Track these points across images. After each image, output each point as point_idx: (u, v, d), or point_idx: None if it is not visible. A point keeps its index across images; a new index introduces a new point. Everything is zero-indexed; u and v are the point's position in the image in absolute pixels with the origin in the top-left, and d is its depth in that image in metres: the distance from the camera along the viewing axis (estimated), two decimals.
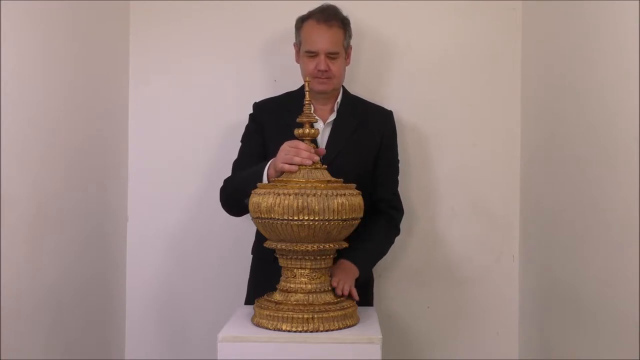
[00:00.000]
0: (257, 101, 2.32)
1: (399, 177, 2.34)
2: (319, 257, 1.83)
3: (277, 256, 1.87)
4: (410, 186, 2.57)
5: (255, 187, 1.83)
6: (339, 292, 1.87)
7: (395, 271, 2.62)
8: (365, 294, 2.06)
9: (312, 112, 1.88)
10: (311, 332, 1.74)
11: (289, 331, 1.75)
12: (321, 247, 1.79)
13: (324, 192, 1.73)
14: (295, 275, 1.84)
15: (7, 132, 1.80)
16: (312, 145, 1.86)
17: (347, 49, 2.23)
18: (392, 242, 2.28)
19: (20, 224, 1.88)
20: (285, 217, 1.71)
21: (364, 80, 2.57)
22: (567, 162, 2.13)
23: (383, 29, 2.60)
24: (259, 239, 2.15)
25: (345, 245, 1.88)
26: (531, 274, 2.50)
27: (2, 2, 1.76)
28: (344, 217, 1.75)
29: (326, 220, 1.72)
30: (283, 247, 1.81)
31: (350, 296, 1.92)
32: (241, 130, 2.30)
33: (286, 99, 2.27)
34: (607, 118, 1.84)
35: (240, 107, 2.42)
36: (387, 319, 2.51)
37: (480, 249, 2.63)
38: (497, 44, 2.61)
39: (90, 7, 2.32)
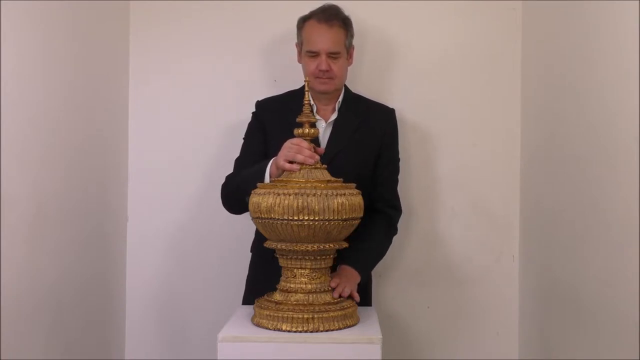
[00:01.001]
0: (259, 99, 2.32)
1: (399, 177, 2.34)
2: (319, 257, 1.83)
3: (277, 256, 1.87)
4: (410, 186, 2.57)
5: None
6: (336, 294, 1.87)
7: (395, 271, 2.62)
8: (363, 293, 2.06)
9: (312, 112, 1.88)
10: (311, 332, 1.75)
11: (289, 331, 1.75)
12: (321, 247, 1.79)
13: (324, 192, 1.73)
14: (295, 275, 1.84)
15: (7, 132, 1.80)
16: (312, 145, 1.87)
17: (349, 48, 2.23)
18: (390, 242, 2.28)
19: (20, 224, 1.88)
20: (286, 217, 1.71)
21: (366, 80, 2.57)
22: (567, 162, 2.13)
23: (384, 29, 2.60)
24: (259, 237, 2.15)
25: (345, 245, 1.88)
26: (531, 274, 2.50)
27: (2, 2, 1.76)
28: (344, 217, 1.75)
29: (326, 220, 1.72)
30: (283, 247, 1.81)
31: (350, 297, 1.92)
32: (241, 130, 2.30)
33: (288, 98, 2.27)
34: (607, 118, 1.84)
35: (240, 107, 2.42)
36: (387, 319, 2.51)
37: (480, 249, 2.63)
38: (497, 44, 2.61)
39: (90, 7, 2.32)
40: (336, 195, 1.74)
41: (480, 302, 2.63)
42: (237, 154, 2.25)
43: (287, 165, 1.81)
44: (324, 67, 2.13)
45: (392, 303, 2.62)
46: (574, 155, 2.08)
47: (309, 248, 1.78)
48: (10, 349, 1.83)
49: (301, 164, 1.82)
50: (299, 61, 2.26)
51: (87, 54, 2.30)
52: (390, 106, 2.35)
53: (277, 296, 1.84)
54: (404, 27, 2.61)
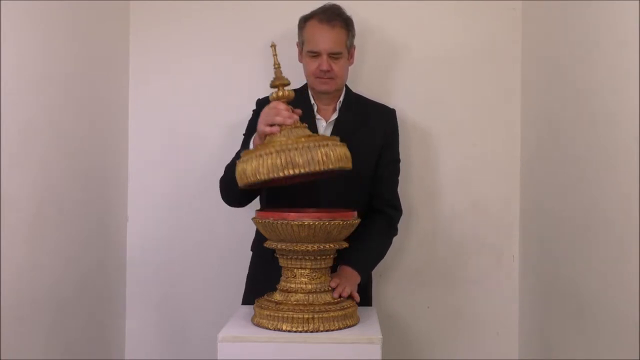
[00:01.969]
0: (260, 97, 2.32)
1: (400, 177, 2.34)
2: (319, 257, 1.83)
3: (277, 256, 1.87)
4: (410, 186, 2.57)
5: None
6: (336, 294, 1.87)
7: (395, 271, 2.62)
8: (364, 293, 2.06)
9: (283, 76, 1.85)
10: (311, 332, 1.75)
11: (289, 331, 1.75)
12: (321, 247, 1.79)
13: (306, 144, 1.68)
14: (295, 275, 1.84)
15: (7, 132, 1.80)
16: (290, 106, 1.84)
17: (350, 48, 2.22)
18: (391, 242, 2.27)
19: (20, 224, 1.88)
20: (273, 176, 1.67)
21: (366, 80, 2.57)
22: (567, 162, 2.13)
23: (385, 29, 2.60)
24: (259, 237, 2.15)
25: (345, 245, 1.88)
26: (531, 274, 2.50)
27: (2, 2, 1.76)
28: (331, 166, 1.69)
29: (311, 173, 1.69)
30: (283, 247, 1.81)
31: (350, 297, 1.92)
32: (241, 130, 2.30)
33: None
34: (607, 118, 1.84)
35: (240, 107, 2.41)
36: (387, 319, 2.51)
37: (480, 249, 2.63)
38: (497, 44, 2.61)
39: (90, 7, 2.32)
40: (319, 146, 1.69)
41: (480, 302, 2.63)
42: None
43: (268, 129, 1.79)
44: (325, 67, 2.13)
45: (392, 303, 2.62)
46: (574, 155, 2.08)
47: (309, 248, 1.78)
48: (10, 349, 1.83)
49: (281, 125, 1.79)
50: (300, 61, 2.25)
51: (87, 54, 2.30)
52: (391, 106, 2.35)
53: (277, 296, 1.84)
54: (404, 27, 2.61)
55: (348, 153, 1.77)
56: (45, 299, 2.04)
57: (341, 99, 2.25)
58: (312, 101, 2.22)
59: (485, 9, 2.60)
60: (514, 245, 2.62)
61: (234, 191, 1.99)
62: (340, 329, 1.78)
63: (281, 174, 1.66)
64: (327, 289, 1.86)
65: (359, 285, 2.02)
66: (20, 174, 1.88)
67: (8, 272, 1.81)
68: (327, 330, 1.76)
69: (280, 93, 1.83)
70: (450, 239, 2.63)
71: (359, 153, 2.19)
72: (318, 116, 2.21)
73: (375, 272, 2.35)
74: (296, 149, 1.67)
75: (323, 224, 1.74)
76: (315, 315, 1.76)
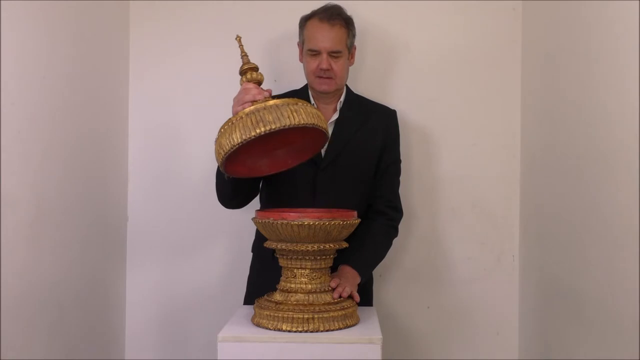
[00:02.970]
0: None
1: (400, 178, 2.34)
2: (319, 257, 1.83)
3: (277, 256, 1.87)
4: (410, 186, 2.57)
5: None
6: (336, 294, 1.87)
7: (395, 271, 2.62)
8: (364, 293, 2.06)
9: (251, 61, 1.87)
10: (311, 332, 1.75)
11: (289, 331, 1.75)
12: (321, 247, 1.79)
13: (275, 104, 1.71)
14: (295, 275, 1.84)
15: (7, 132, 1.80)
16: (260, 87, 1.85)
17: (351, 48, 2.22)
18: (391, 243, 2.27)
19: (20, 224, 1.88)
20: (245, 137, 1.68)
21: (367, 80, 2.58)
22: (567, 162, 2.13)
23: (386, 29, 2.60)
24: (259, 237, 2.15)
25: (345, 245, 1.88)
26: (531, 274, 2.50)
27: (2, 2, 1.76)
28: (302, 122, 1.70)
29: (284, 129, 1.69)
30: (283, 247, 1.81)
31: (350, 297, 1.92)
32: None
33: (290, 96, 2.26)
34: (607, 118, 1.84)
35: None
36: (387, 319, 2.51)
37: (480, 249, 2.63)
38: (497, 43, 2.61)
39: (90, 7, 2.32)
40: (288, 104, 1.72)
41: (480, 302, 2.63)
42: None
43: (240, 108, 1.79)
44: (324, 65, 2.13)
45: (392, 303, 2.62)
46: (574, 155, 2.08)
47: (309, 248, 1.78)
48: (10, 349, 1.83)
49: (252, 101, 1.79)
50: (301, 60, 2.25)
51: (87, 53, 2.30)
52: (390, 106, 2.35)
53: (277, 296, 1.84)
54: (404, 27, 2.61)
55: (320, 114, 1.79)
56: (46, 298, 2.04)
57: (342, 99, 2.25)
58: (312, 101, 2.22)
59: (485, 9, 2.60)
60: (514, 245, 2.62)
61: (225, 187, 2.00)
62: (340, 329, 1.78)
63: (253, 133, 1.67)
64: (327, 289, 1.86)
65: (359, 285, 2.02)
66: (20, 174, 1.88)
67: (8, 272, 1.81)
68: (327, 330, 1.76)
69: (249, 75, 1.85)
70: (450, 239, 2.63)
71: (359, 153, 2.20)
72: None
73: (375, 272, 2.35)
74: (265, 108, 1.70)
75: (323, 224, 1.74)
76: (315, 315, 1.76)
